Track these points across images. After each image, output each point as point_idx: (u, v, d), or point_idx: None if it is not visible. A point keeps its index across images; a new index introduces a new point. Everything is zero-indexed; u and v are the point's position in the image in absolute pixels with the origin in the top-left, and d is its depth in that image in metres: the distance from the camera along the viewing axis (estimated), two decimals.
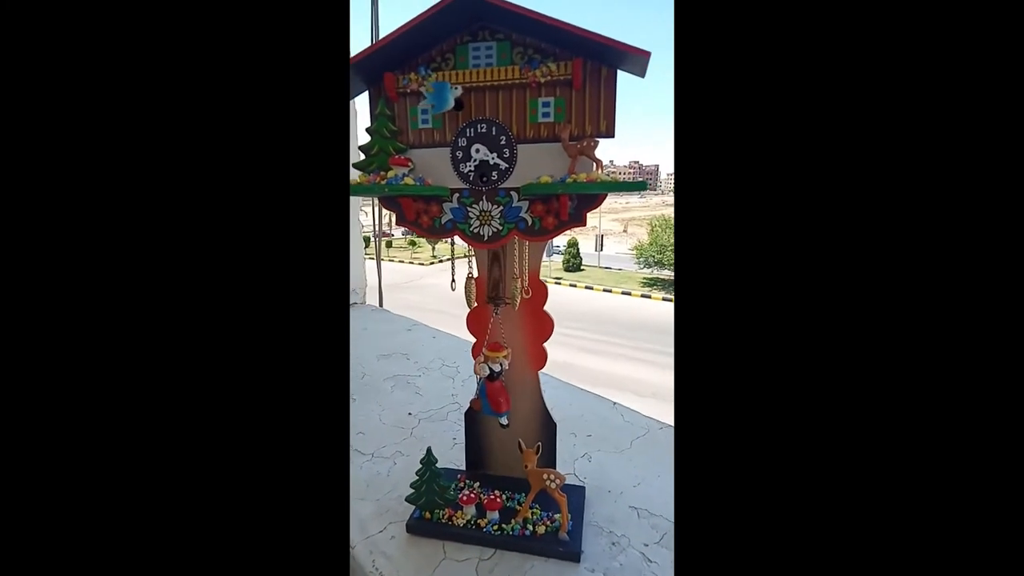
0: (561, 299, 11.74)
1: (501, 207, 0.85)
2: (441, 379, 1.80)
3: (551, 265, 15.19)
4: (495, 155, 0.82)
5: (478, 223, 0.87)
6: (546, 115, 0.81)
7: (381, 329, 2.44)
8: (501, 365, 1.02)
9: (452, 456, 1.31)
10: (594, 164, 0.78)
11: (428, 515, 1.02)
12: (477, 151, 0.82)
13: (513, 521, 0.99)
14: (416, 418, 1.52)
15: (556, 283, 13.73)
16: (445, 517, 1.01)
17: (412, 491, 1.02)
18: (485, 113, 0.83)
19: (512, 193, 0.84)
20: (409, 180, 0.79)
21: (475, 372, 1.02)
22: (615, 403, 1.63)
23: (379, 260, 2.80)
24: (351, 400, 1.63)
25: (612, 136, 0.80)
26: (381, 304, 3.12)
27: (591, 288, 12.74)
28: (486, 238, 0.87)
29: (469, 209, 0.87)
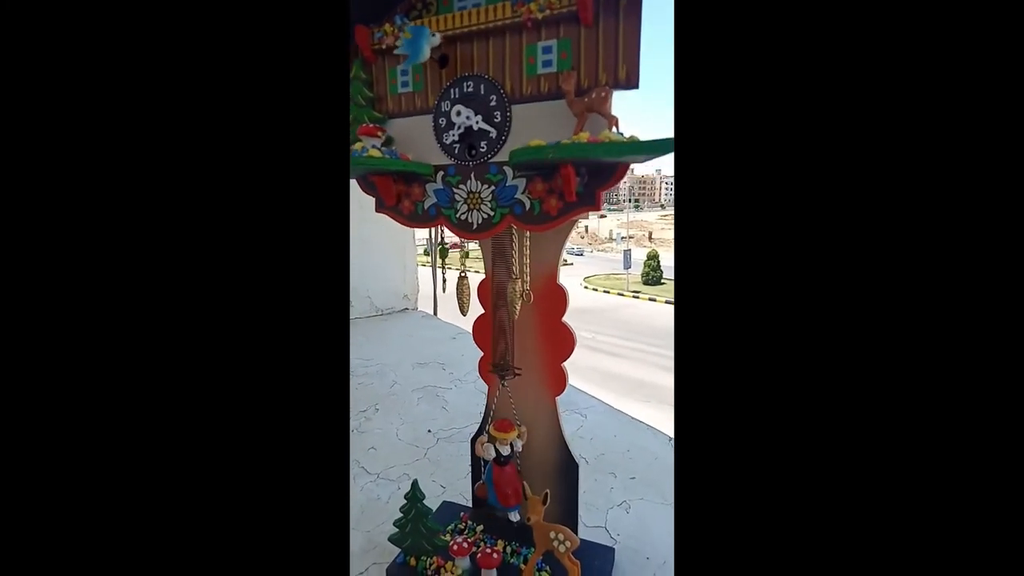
0: (640, 313, 11.15)
1: (493, 186, 0.67)
2: (473, 393, 1.64)
3: (629, 278, 14.53)
4: (480, 118, 0.65)
5: (466, 207, 0.69)
6: (547, 64, 0.62)
7: (425, 336, 2.36)
8: (512, 447, 0.83)
9: (464, 487, 1.13)
10: (608, 122, 0.57)
11: (413, 561, 0.85)
12: (459, 114, 0.65)
13: None
14: (435, 436, 1.37)
15: (635, 296, 13.11)
16: (432, 567, 0.83)
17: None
18: (473, 69, 0.66)
19: (506, 169, 0.66)
20: (375, 152, 0.64)
21: (477, 454, 0.84)
22: (671, 438, 1.34)
23: (435, 268, 2.76)
24: (374, 409, 1.53)
25: (635, 86, 0.58)
26: (435, 312, 3.06)
27: (671, 303, 11.92)
28: (475, 226, 0.69)
29: (455, 190, 0.70)
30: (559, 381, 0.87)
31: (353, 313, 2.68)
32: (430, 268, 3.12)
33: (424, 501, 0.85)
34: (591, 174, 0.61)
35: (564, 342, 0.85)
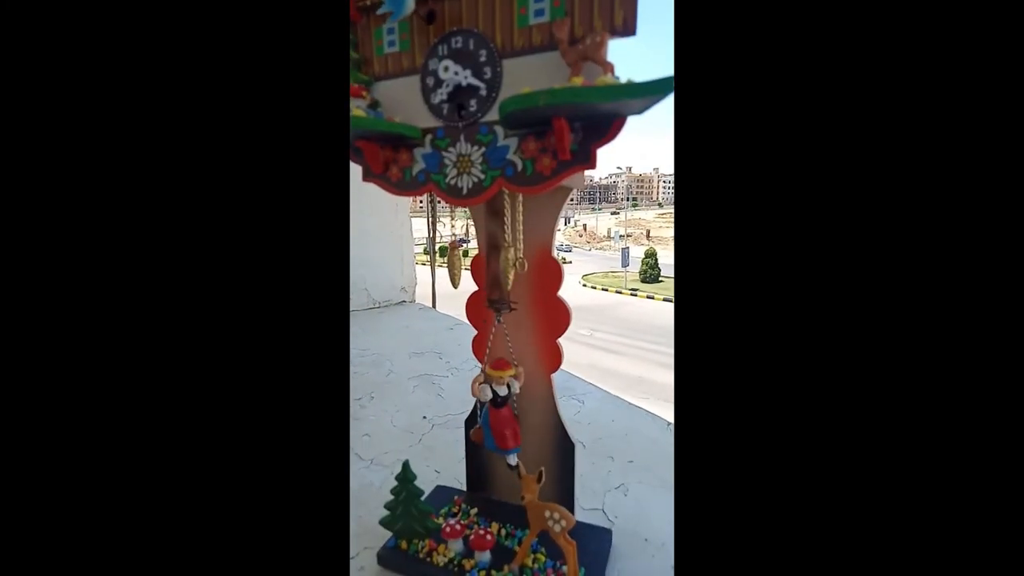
0: (638, 311, 11.13)
1: (483, 148, 0.64)
2: (469, 380, 1.61)
3: (627, 276, 14.52)
4: (469, 73, 0.62)
5: (455, 172, 0.66)
6: (539, 13, 0.59)
7: (422, 327, 2.33)
8: (509, 387, 0.80)
9: (459, 472, 1.10)
10: (603, 69, 0.54)
11: (404, 544, 0.82)
12: (446, 70, 0.62)
13: (507, 568, 0.76)
14: (430, 423, 1.34)
15: (632, 294, 13.10)
16: (424, 550, 0.80)
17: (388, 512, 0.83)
18: (462, 23, 0.63)
19: (496, 129, 0.63)
20: (360, 112, 0.61)
21: (473, 394, 0.80)
22: (670, 423, 1.31)
23: (433, 259, 2.74)
24: (369, 398, 1.50)
25: (633, 33, 0.55)
26: (434, 305, 3.03)
27: (669, 300, 11.92)
28: (465, 191, 0.66)
29: (444, 153, 0.67)
30: (554, 358, 0.84)
31: (350, 305, 2.65)
32: (428, 267, 3.09)
33: (417, 484, 0.82)
34: (586, 129, 0.58)
35: (559, 317, 0.82)
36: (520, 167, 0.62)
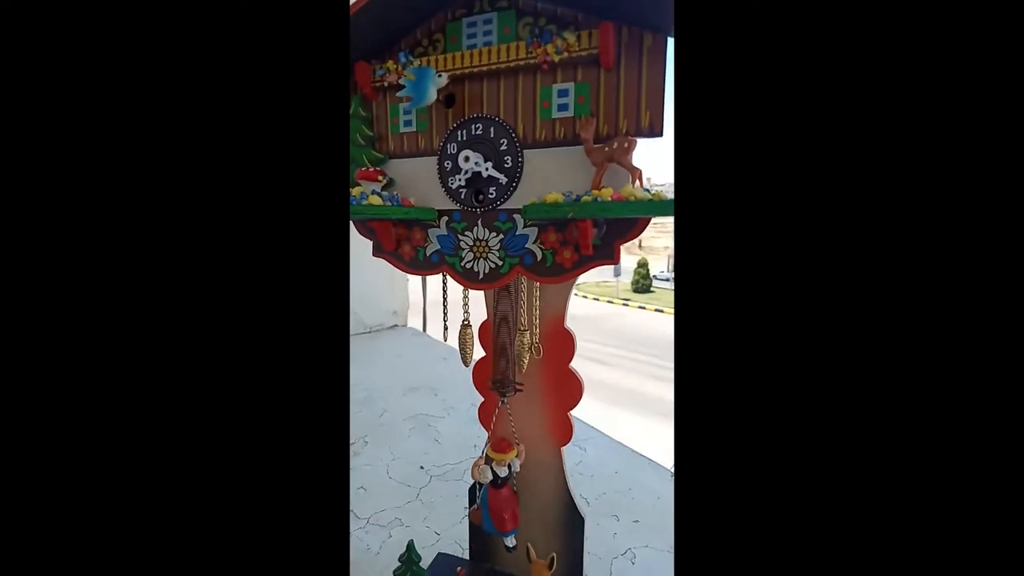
0: (630, 322, 11.19)
1: (501, 235, 0.62)
2: (467, 423, 1.58)
3: (619, 286, 14.62)
4: (490, 165, 0.60)
5: (471, 256, 0.64)
6: (563, 108, 0.57)
7: (416, 357, 2.29)
8: (510, 468, 0.77)
9: (460, 533, 1.07)
10: (630, 176, 0.53)
11: None
12: (467, 160, 0.60)
13: None
14: (428, 474, 1.30)
15: (624, 304, 13.18)
16: None
17: None
18: (482, 109, 0.61)
19: (516, 217, 0.61)
20: (376, 199, 0.59)
21: (473, 476, 0.78)
22: (673, 473, 1.30)
23: (424, 283, 2.70)
24: (363, 442, 1.46)
25: (660, 134, 0.54)
26: (424, 328, 3.00)
27: (661, 311, 12.00)
28: (481, 276, 0.64)
29: (460, 237, 0.65)
30: (565, 432, 0.82)
31: None
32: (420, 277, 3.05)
33: (418, 547, 0.79)
34: (609, 226, 0.56)
35: (571, 390, 0.80)
36: (540, 257, 0.61)
